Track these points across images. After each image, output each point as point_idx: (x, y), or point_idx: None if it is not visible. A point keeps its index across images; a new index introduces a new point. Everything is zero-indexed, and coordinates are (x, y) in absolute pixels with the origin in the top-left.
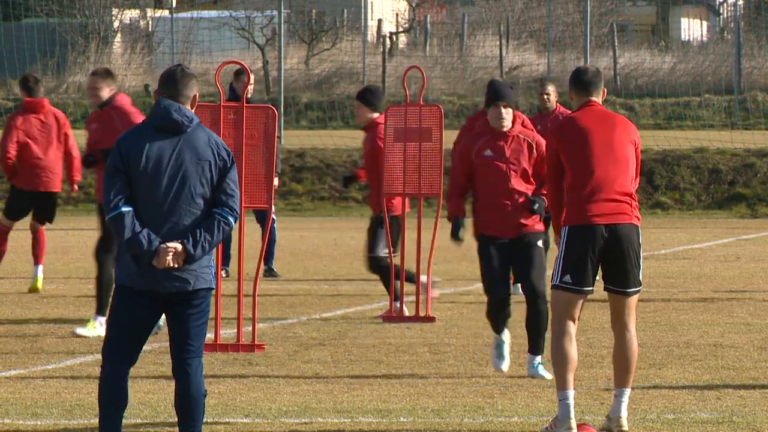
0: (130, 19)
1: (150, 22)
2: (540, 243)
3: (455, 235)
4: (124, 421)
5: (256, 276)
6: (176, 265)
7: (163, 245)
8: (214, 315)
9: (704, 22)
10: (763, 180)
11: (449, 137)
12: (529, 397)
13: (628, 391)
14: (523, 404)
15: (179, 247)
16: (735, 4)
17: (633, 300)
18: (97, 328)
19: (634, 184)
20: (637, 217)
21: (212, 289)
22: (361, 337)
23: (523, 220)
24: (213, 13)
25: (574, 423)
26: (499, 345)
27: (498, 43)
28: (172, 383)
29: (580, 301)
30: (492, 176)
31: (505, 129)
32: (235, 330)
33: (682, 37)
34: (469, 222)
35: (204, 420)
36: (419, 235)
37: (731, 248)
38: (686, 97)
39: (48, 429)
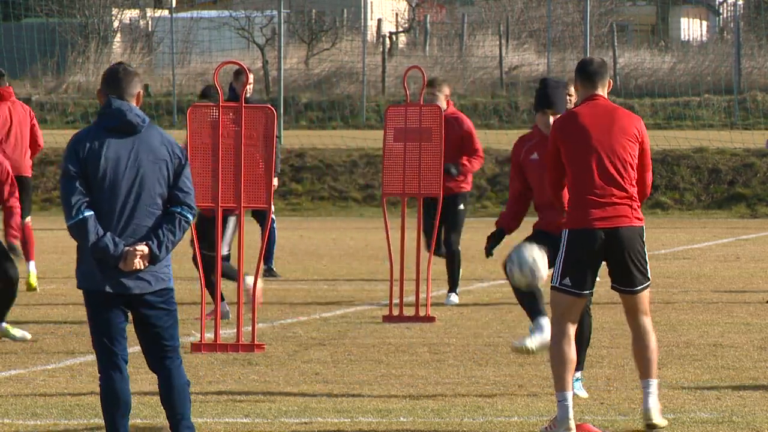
0: (130, 19)
1: (150, 22)
2: None
3: (487, 250)
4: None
5: (255, 276)
6: (143, 267)
7: (130, 248)
8: (214, 315)
9: (704, 22)
10: (763, 180)
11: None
12: (529, 397)
13: (654, 382)
14: (523, 404)
15: (146, 249)
16: (735, 4)
17: (643, 296)
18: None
19: (646, 181)
20: (638, 218)
21: (173, 288)
22: (361, 337)
23: None
24: (213, 13)
25: (572, 423)
26: (532, 329)
27: (498, 43)
28: None
29: (579, 304)
30: (539, 179)
31: None
32: (235, 330)
33: (682, 37)
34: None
35: (205, 419)
36: (419, 236)
37: (731, 248)
38: (686, 97)
39: (48, 429)
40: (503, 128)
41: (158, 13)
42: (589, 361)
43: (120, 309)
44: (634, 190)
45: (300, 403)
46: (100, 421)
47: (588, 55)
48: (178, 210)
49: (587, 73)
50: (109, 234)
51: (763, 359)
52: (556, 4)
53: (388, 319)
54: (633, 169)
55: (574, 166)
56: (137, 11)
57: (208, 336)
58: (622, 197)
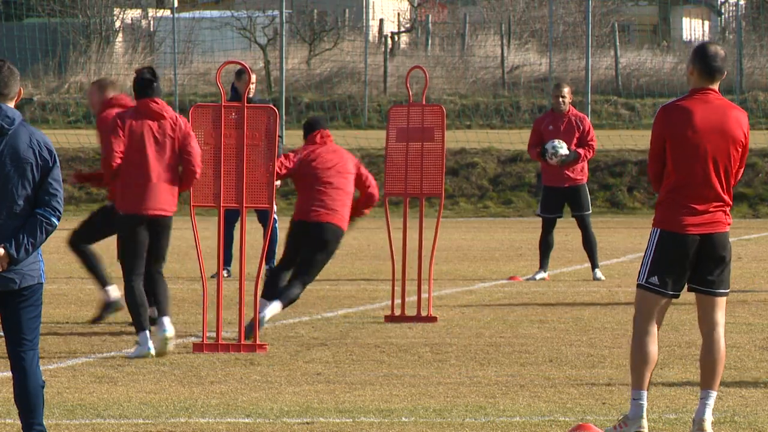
0: (132, 19)
1: (152, 22)
2: None
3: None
4: (125, 420)
5: (257, 276)
6: (1, 269)
7: None
8: (216, 315)
9: (706, 22)
10: (765, 180)
11: (451, 137)
12: (531, 397)
13: (713, 394)
14: (525, 404)
15: (2, 251)
16: (736, 4)
17: (722, 300)
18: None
19: (738, 175)
20: (729, 223)
21: (42, 284)
22: (363, 337)
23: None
24: (215, 13)
25: (645, 423)
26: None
27: (499, 42)
28: (175, 383)
29: (665, 303)
30: None
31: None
32: (237, 330)
33: (684, 36)
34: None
35: (207, 420)
36: (421, 236)
37: (733, 248)
38: None
39: (49, 429)
40: (505, 128)
41: (160, 13)
42: (590, 361)
43: None
44: (729, 198)
45: (302, 403)
46: (103, 421)
47: (589, 56)
48: (41, 212)
49: (710, 69)
50: None
51: (765, 359)
52: (557, 4)
53: (390, 319)
54: (733, 177)
55: (677, 167)
56: (139, 11)
57: (210, 336)
58: (719, 205)
